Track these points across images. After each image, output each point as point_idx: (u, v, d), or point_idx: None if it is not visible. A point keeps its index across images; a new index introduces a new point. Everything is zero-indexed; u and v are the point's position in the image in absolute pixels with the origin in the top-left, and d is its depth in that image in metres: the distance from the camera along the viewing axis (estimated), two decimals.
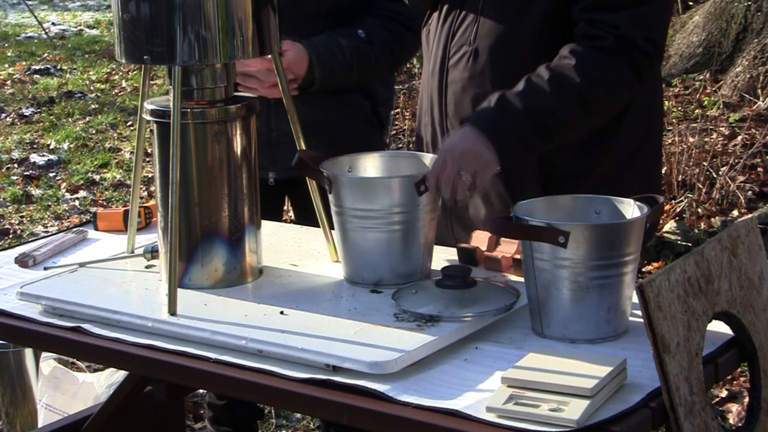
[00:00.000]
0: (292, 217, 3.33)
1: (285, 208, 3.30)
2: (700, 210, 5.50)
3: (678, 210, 5.47)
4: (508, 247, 2.35)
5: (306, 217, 2.87)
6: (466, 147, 2.23)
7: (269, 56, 2.39)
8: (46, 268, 2.51)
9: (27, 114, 8.63)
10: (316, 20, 2.32)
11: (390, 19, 2.99)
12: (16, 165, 7.35)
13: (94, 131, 8.09)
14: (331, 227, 2.38)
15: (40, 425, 3.45)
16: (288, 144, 2.42)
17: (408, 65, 9.15)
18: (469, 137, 2.24)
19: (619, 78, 2.35)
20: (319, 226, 2.51)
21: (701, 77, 7.67)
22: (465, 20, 2.52)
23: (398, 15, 2.99)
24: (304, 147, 2.41)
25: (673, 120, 6.94)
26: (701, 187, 5.65)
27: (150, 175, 5.85)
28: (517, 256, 2.28)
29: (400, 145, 6.91)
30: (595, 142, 2.45)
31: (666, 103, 7.31)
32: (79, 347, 2.21)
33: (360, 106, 3.08)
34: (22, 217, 6.38)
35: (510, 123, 2.26)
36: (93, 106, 8.78)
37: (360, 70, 2.95)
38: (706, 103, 7.24)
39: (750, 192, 5.70)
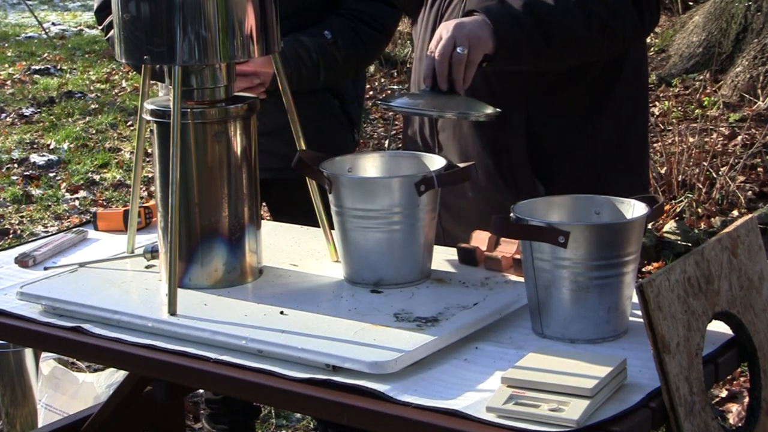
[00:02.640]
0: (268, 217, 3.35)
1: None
2: (700, 210, 5.50)
3: (678, 210, 5.47)
4: (508, 247, 2.35)
5: (281, 216, 2.88)
6: (462, 21, 2.27)
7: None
8: (46, 268, 2.51)
9: (27, 114, 8.64)
10: (282, 21, 2.32)
11: (355, 19, 2.99)
12: (16, 165, 7.35)
13: (94, 131, 8.10)
14: (331, 227, 2.39)
15: (40, 425, 3.45)
16: (261, 146, 2.43)
17: (409, 65, 9.16)
18: (466, 17, 2.30)
19: (622, 3, 2.37)
20: (318, 226, 2.51)
21: (701, 77, 7.68)
22: (452, 1, 2.54)
23: (362, 14, 2.99)
24: (304, 147, 2.42)
25: (673, 120, 6.94)
26: (701, 187, 5.66)
27: (150, 175, 5.85)
28: (517, 256, 2.28)
29: (400, 145, 6.91)
30: (582, 117, 2.50)
31: (666, 103, 7.32)
32: (79, 347, 2.21)
33: (328, 105, 3.09)
34: (22, 217, 6.38)
35: (508, 8, 2.30)
36: (93, 106, 8.78)
37: (326, 71, 2.95)
38: (706, 103, 7.25)
39: (750, 192, 5.70)
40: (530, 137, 2.50)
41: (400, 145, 6.86)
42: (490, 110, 2.29)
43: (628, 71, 2.57)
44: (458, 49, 2.23)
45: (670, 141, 6.20)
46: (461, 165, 2.27)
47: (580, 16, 2.35)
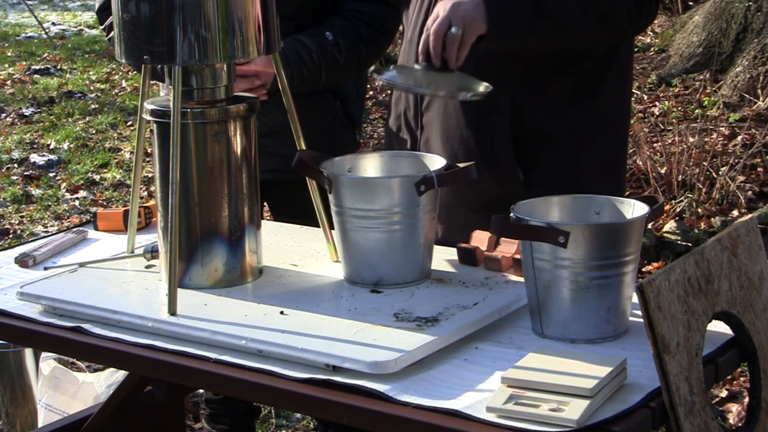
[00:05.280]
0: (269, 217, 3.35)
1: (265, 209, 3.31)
2: (700, 210, 5.50)
3: (678, 210, 5.47)
4: (508, 247, 2.35)
5: (282, 217, 2.88)
6: (458, 1, 2.32)
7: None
8: (46, 268, 2.51)
9: (27, 114, 8.63)
10: (283, 22, 2.32)
11: (356, 20, 2.99)
12: (16, 165, 7.35)
13: (94, 131, 8.09)
14: (331, 227, 2.39)
15: (40, 425, 3.45)
16: (263, 147, 2.44)
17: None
18: None
19: None
20: (318, 226, 2.51)
21: (701, 77, 7.67)
22: None
23: (364, 15, 2.99)
24: (303, 147, 2.42)
25: (673, 120, 6.94)
26: (701, 187, 5.65)
27: (150, 175, 5.85)
28: (517, 256, 2.28)
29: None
30: (567, 107, 2.54)
31: (666, 103, 7.31)
32: (79, 347, 2.21)
33: (330, 107, 3.08)
34: (22, 217, 6.38)
35: None
36: (93, 106, 8.78)
37: (328, 72, 2.95)
38: (706, 103, 7.24)
39: (750, 192, 5.70)
40: (515, 120, 2.53)
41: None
42: (482, 88, 2.35)
43: (616, 72, 2.59)
44: (453, 29, 2.30)
45: (670, 141, 6.20)
46: (461, 165, 2.27)
47: (577, 2, 2.39)
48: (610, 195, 2.17)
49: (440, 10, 2.32)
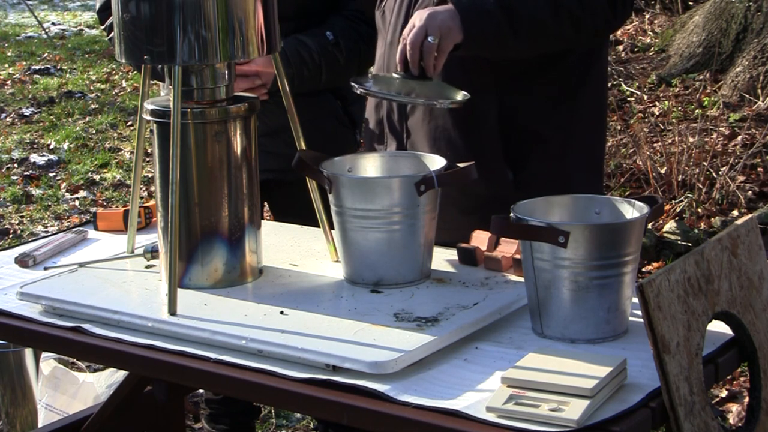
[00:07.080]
0: (269, 217, 3.35)
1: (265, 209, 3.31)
2: (700, 210, 5.50)
3: (678, 210, 5.47)
4: (508, 247, 2.35)
5: (283, 217, 2.89)
6: (435, 10, 2.35)
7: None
8: (46, 268, 2.51)
9: (27, 114, 8.63)
10: (284, 22, 2.33)
11: (357, 20, 3.00)
12: (16, 165, 7.35)
13: (94, 131, 8.09)
14: (331, 227, 2.39)
15: (40, 425, 3.45)
16: (263, 147, 2.44)
17: None
18: (438, 6, 2.38)
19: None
20: (318, 226, 2.51)
21: (701, 77, 7.67)
22: None
23: (364, 15, 2.99)
24: (303, 147, 2.42)
25: (673, 120, 6.93)
26: (701, 187, 5.65)
27: (150, 175, 5.85)
28: (517, 256, 2.28)
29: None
30: (553, 104, 2.55)
31: (666, 103, 7.31)
32: (79, 347, 2.21)
33: (331, 106, 3.08)
34: (22, 217, 6.38)
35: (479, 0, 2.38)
36: (93, 106, 8.78)
37: (328, 71, 2.95)
38: (706, 103, 7.24)
39: (750, 192, 5.70)
40: (503, 120, 2.53)
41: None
42: (460, 96, 2.38)
43: (598, 68, 2.62)
44: (429, 38, 2.32)
45: (670, 141, 6.20)
46: (461, 165, 2.27)
47: (549, 8, 2.40)
48: (594, 189, 2.18)
49: (416, 20, 2.35)
